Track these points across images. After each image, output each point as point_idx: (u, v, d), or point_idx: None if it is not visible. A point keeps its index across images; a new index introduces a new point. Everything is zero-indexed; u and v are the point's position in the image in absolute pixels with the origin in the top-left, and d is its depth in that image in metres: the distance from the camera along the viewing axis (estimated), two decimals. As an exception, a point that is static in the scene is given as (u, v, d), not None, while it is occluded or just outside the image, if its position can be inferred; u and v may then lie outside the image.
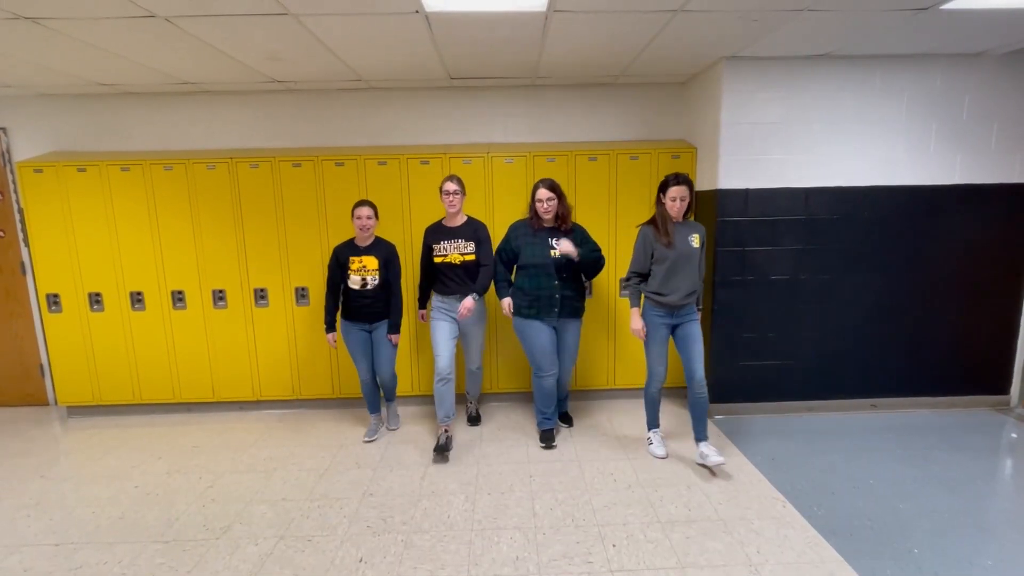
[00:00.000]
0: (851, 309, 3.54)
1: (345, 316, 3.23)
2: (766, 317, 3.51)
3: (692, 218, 3.00)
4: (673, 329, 2.94)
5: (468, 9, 2.41)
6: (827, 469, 2.90)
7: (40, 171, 3.54)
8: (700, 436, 2.92)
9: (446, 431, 3.20)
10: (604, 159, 3.63)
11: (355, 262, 3.14)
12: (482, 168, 3.63)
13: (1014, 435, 3.29)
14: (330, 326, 3.24)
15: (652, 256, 2.88)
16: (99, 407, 3.85)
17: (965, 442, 3.18)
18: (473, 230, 3.19)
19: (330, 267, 3.20)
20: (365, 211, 3.12)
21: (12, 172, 3.83)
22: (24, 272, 3.94)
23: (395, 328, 3.24)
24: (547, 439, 3.24)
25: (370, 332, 3.26)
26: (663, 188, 2.85)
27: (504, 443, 3.31)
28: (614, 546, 2.31)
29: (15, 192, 3.85)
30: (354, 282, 3.14)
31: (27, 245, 3.81)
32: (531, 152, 3.62)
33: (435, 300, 3.26)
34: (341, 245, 3.20)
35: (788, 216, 3.41)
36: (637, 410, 3.70)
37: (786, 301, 3.48)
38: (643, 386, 3.09)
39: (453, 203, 3.11)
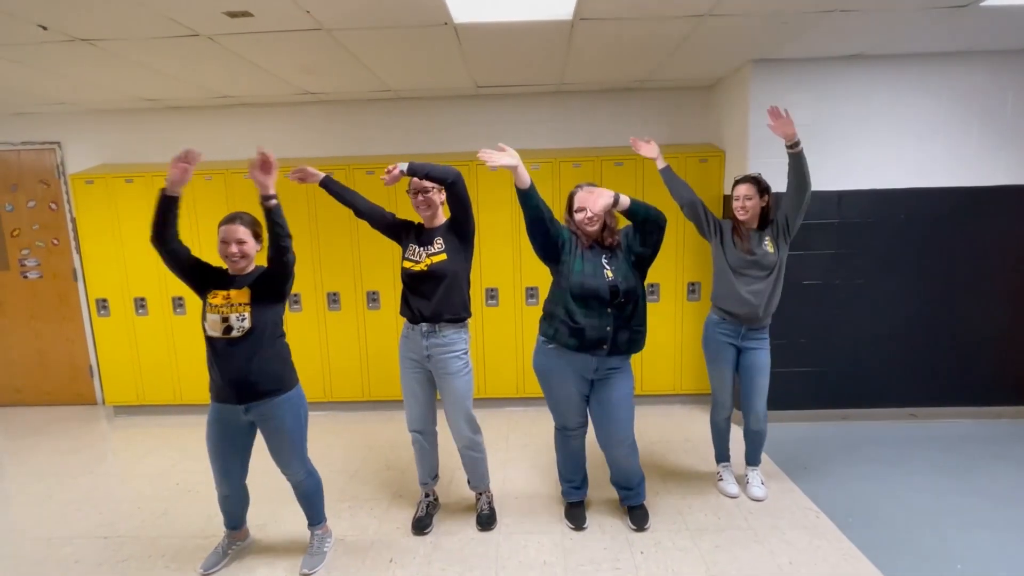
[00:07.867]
0: (887, 315, 3.43)
1: (212, 392, 2.09)
2: (797, 323, 3.43)
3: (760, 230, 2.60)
4: (739, 352, 2.60)
5: (495, 20, 2.45)
6: (863, 479, 2.82)
7: (91, 182, 3.74)
8: (751, 460, 2.74)
9: (427, 496, 2.55)
10: (630, 164, 3.62)
11: (217, 295, 2.01)
12: (508, 174, 3.65)
13: (1066, 447, 3.13)
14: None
15: (709, 220, 2.57)
16: (143, 407, 4.02)
17: (1012, 454, 3.04)
18: (449, 220, 2.37)
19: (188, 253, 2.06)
20: (237, 231, 2.01)
21: (66, 184, 4.06)
22: (76, 278, 4.16)
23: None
24: (576, 518, 2.47)
25: (246, 420, 2.10)
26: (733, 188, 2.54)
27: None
28: (642, 553, 2.29)
29: (68, 202, 4.08)
30: (211, 325, 1.99)
31: (79, 252, 4.03)
32: (557, 158, 3.64)
33: (402, 335, 2.45)
34: (211, 267, 2.11)
35: (820, 219, 3.33)
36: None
37: (818, 306, 3.39)
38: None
39: (426, 203, 2.35)
